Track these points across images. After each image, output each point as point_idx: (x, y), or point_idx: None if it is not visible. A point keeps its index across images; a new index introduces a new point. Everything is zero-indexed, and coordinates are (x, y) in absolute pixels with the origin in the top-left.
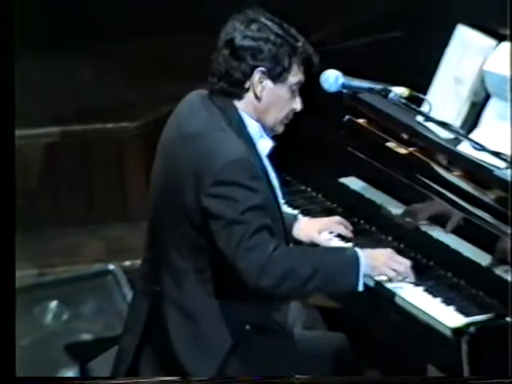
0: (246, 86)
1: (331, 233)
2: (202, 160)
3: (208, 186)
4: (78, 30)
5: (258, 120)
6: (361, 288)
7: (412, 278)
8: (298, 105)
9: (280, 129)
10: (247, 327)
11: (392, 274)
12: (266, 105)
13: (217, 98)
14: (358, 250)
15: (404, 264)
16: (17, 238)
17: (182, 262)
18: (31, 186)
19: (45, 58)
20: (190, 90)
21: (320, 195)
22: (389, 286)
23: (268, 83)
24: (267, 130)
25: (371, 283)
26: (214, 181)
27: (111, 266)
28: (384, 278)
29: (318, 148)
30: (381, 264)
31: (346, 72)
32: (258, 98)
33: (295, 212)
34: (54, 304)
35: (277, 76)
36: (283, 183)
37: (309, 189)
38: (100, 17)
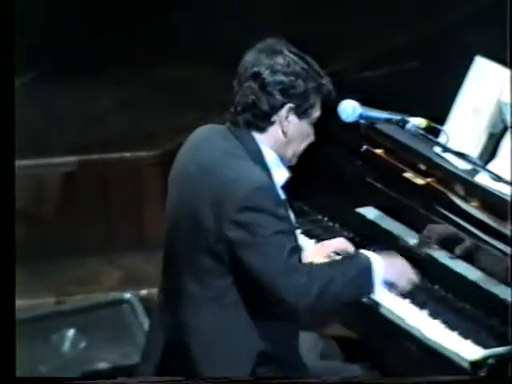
0: (272, 119)
1: (338, 254)
2: (224, 188)
3: (233, 213)
4: (95, 58)
5: (277, 152)
6: (377, 293)
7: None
8: (313, 137)
9: (295, 161)
10: (262, 358)
11: (408, 287)
12: (289, 139)
13: (235, 128)
14: (369, 254)
15: (412, 274)
16: (35, 267)
17: (200, 290)
18: (49, 214)
19: (65, 86)
20: (209, 121)
21: (337, 225)
22: (407, 318)
23: (294, 119)
24: (283, 162)
25: (387, 312)
26: (239, 207)
27: (127, 295)
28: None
29: (335, 178)
30: (399, 269)
31: (364, 102)
32: (283, 132)
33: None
34: (71, 332)
35: (303, 112)
36: (300, 212)
37: (326, 218)
38: (121, 45)
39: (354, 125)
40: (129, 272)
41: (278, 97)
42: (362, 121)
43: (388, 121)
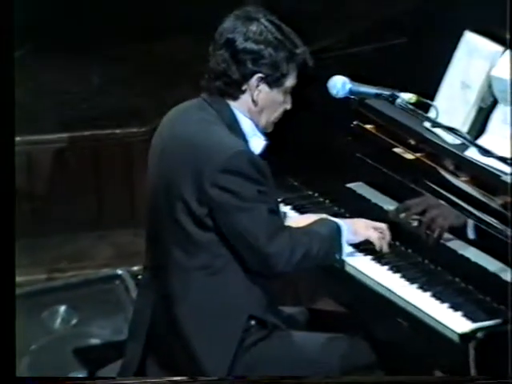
0: (243, 88)
1: None
2: (204, 153)
3: (214, 176)
4: (86, 34)
5: (252, 119)
6: (344, 256)
7: (389, 237)
8: (288, 105)
9: (271, 128)
10: (252, 322)
11: (375, 234)
12: (260, 107)
13: (211, 97)
14: (336, 219)
15: (382, 225)
16: (26, 243)
17: (187, 260)
18: (40, 191)
19: (55, 63)
20: (198, 96)
21: (327, 200)
22: (397, 290)
23: (264, 88)
24: (259, 129)
25: (378, 287)
26: (220, 170)
27: (119, 271)
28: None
29: (325, 153)
30: (361, 227)
31: (354, 78)
32: (253, 101)
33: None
34: (62, 309)
35: (274, 82)
36: (291, 188)
37: (316, 194)
38: (110, 21)
39: (344, 100)
40: (120, 248)
41: (248, 66)
42: (351, 96)
43: (378, 96)
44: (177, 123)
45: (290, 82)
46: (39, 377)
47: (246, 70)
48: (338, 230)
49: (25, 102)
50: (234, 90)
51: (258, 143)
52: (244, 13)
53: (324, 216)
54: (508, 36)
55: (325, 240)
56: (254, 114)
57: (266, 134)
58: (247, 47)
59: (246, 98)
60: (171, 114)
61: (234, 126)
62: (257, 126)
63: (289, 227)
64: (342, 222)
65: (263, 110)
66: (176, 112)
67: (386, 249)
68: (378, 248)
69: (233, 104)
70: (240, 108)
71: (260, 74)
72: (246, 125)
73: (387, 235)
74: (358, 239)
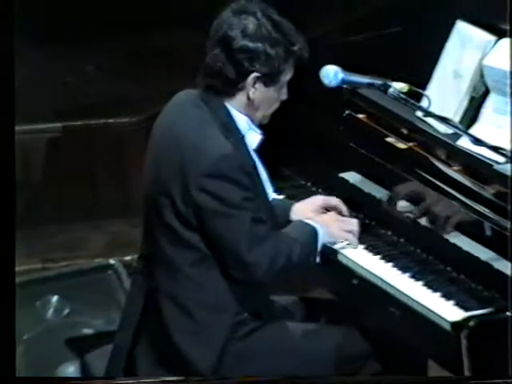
0: (239, 86)
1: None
2: (191, 156)
3: (199, 180)
4: (79, 25)
5: (247, 115)
6: (319, 260)
7: (358, 233)
8: (284, 95)
9: (267, 120)
10: (245, 315)
11: (349, 235)
12: (256, 105)
13: (206, 95)
14: (312, 222)
15: (353, 222)
16: (19, 233)
17: (175, 256)
18: (33, 180)
19: (46, 53)
20: (190, 86)
21: (320, 189)
22: (389, 280)
23: (261, 86)
24: (255, 123)
25: (370, 277)
26: (205, 174)
27: (112, 261)
28: (343, 243)
29: (317, 143)
30: (335, 229)
31: (346, 67)
32: (249, 99)
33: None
34: (55, 298)
35: (270, 80)
36: (283, 177)
37: (309, 183)
38: (101, 12)
39: (337, 90)
40: (114, 238)
41: (245, 65)
42: (344, 86)
43: (370, 85)
44: (174, 118)
45: (286, 76)
46: (39, 377)
47: (242, 70)
48: (315, 233)
49: (18, 91)
50: (230, 88)
51: (253, 138)
52: (240, 7)
53: (301, 219)
54: (500, 26)
55: (305, 245)
56: (249, 111)
57: (260, 127)
58: (243, 46)
59: (241, 96)
60: (170, 107)
61: (228, 125)
62: (252, 121)
63: (273, 234)
64: (318, 225)
65: (259, 107)
66: (174, 106)
67: (356, 244)
68: (351, 246)
69: (228, 101)
70: (235, 105)
71: (256, 74)
72: (242, 121)
73: (358, 231)
74: (333, 241)
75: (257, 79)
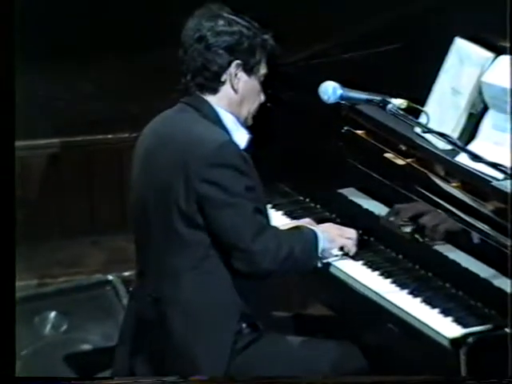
0: (223, 79)
1: None
2: (189, 149)
3: (201, 171)
4: (79, 42)
5: (232, 113)
6: (320, 264)
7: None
8: (262, 97)
9: (250, 121)
10: (243, 325)
11: (348, 242)
12: (241, 97)
13: (188, 98)
14: (312, 227)
15: (352, 231)
16: (18, 249)
17: (178, 261)
18: (32, 196)
19: (47, 70)
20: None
21: (318, 206)
22: (387, 296)
23: (243, 75)
24: (240, 122)
25: (367, 292)
26: (207, 164)
27: (110, 277)
28: (339, 252)
29: (316, 159)
30: (335, 235)
31: (345, 83)
32: (234, 90)
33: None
34: (53, 314)
35: (251, 68)
36: (282, 193)
37: (307, 199)
38: (101, 29)
39: (335, 106)
40: (113, 254)
41: (225, 55)
42: (342, 102)
43: (369, 102)
44: (159, 128)
45: (263, 69)
46: (38, 377)
47: (224, 60)
48: (315, 236)
49: (17, 108)
50: (214, 82)
51: (241, 137)
52: (205, 10)
53: (301, 223)
54: (498, 43)
55: (306, 242)
56: (234, 107)
57: (248, 130)
58: (219, 39)
59: (226, 89)
60: (152, 123)
61: (216, 122)
62: (238, 119)
63: (274, 226)
64: (319, 230)
65: (244, 100)
66: (157, 120)
67: (353, 252)
68: (350, 254)
69: (212, 100)
70: (220, 103)
71: (238, 61)
72: (228, 120)
73: (356, 239)
74: (334, 247)
75: (238, 67)
